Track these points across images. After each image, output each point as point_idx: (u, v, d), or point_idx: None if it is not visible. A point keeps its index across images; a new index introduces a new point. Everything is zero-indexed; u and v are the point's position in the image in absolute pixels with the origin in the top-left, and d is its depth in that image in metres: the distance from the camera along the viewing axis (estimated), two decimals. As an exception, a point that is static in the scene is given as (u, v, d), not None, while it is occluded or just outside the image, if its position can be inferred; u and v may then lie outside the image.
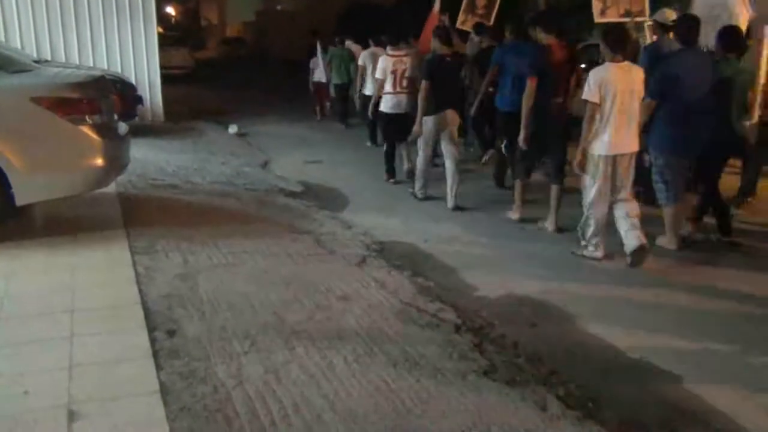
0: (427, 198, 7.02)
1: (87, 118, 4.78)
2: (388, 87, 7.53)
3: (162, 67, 12.12)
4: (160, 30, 15.92)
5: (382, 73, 7.56)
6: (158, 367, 3.11)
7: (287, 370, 3.15)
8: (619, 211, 5.09)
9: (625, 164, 5.06)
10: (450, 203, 6.70)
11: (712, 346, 3.83)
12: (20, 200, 4.69)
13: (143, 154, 8.12)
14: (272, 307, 3.88)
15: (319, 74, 13.06)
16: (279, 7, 45.07)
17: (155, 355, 3.23)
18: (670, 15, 6.13)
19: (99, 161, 4.88)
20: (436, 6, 9.06)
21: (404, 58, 7.49)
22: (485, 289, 4.59)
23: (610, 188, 5.07)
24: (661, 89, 5.19)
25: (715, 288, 4.69)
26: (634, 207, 5.09)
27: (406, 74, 7.43)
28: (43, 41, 10.95)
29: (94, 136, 4.79)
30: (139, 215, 5.64)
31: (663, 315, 4.25)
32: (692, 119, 5.19)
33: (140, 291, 4.00)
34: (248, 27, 43.91)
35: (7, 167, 4.54)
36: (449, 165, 6.72)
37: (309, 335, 3.53)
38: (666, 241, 5.43)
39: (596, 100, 4.87)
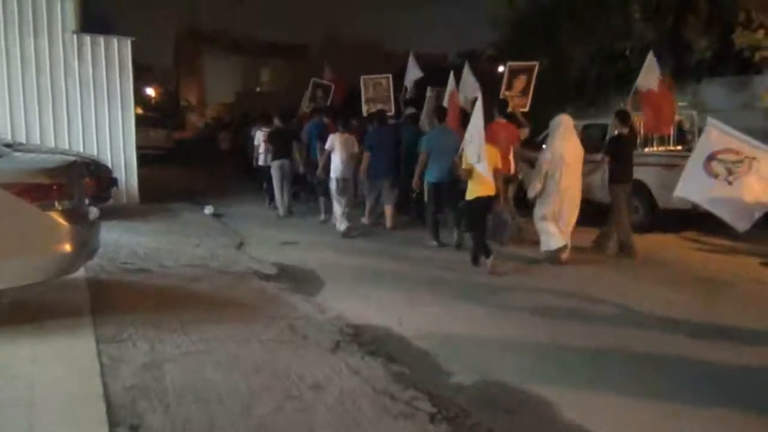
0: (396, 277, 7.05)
1: (56, 203, 4.72)
2: (261, 150, 12.41)
3: (140, 148, 12.18)
4: (139, 111, 16.12)
5: (257, 141, 12.67)
6: (118, 467, 2.97)
7: (254, 467, 3.03)
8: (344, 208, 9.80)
9: (349, 181, 9.89)
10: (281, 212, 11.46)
11: None
12: (-16, 288, 4.56)
13: (116, 236, 8.02)
14: (240, 397, 3.76)
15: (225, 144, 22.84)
16: (258, 89, 46.01)
17: (115, 453, 3.09)
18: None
19: (67, 247, 4.78)
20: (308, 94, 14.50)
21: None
22: (460, 374, 4.50)
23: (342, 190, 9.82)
24: (367, 146, 9.96)
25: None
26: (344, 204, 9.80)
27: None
28: (19, 123, 10.98)
29: (62, 221, 4.71)
30: (108, 301, 5.52)
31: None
32: (381, 164, 9.97)
33: (104, 383, 3.85)
34: (228, 108, 44.57)
35: (-28, 254, 4.43)
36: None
37: (277, 428, 3.41)
38: (366, 218, 10.57)
39: (329, 148, 9.80)
